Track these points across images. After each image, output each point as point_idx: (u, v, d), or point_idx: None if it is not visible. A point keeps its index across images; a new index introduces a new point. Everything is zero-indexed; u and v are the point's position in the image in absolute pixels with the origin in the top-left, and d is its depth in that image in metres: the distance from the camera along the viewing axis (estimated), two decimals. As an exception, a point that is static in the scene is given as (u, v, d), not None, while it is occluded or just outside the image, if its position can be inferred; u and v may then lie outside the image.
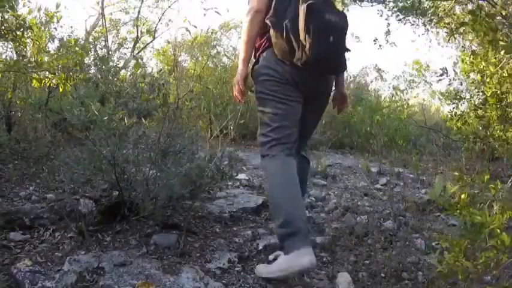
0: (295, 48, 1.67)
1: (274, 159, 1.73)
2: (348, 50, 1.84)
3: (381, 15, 5.10)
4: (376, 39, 5.23)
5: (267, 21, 1.73)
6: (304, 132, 1.95)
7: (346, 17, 1.82)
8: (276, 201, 1.71)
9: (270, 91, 1.77)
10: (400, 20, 5.00)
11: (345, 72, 2.08)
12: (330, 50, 1.72)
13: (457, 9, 4.47)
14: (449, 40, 4.95)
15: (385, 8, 4.61)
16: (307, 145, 2.13)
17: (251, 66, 1.89)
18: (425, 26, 5.15)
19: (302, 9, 1.65)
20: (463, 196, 1.39)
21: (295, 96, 1.78)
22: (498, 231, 1.22)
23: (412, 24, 5.14)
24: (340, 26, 1.77)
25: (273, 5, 1.75)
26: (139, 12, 6.05)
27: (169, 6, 5.66)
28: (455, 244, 1.29)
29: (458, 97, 4.39)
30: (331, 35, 1.70)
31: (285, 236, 1.61)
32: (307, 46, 1.64)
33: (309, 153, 2.20)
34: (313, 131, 2.14)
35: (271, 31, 1.72)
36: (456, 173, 1.56)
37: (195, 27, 2.28)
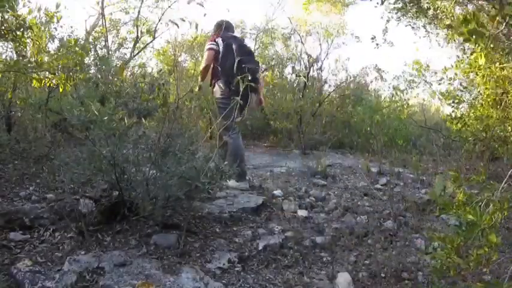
0: (231, 81, 3.03)
1: (235, 136, 3.30)
2: (258, 82, 3.41)
3: (382, 17, 5.12)
4: (374, 37, 5.22)
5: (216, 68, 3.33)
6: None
7: (258, 63, 3.62)
8: (236, 157, 3.17)
9: (223, 103, 3.20)
10: (399, 18, 5.00)
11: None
12: (249, 81, 2.98)
13: (457, 10, 4.47)
14: (449, 42, 4.95)
15: (381, 4, 4.59)
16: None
17: (211, 88, 3.40)
18: (425, 28, 5.15)
19: (236, 61, 3.20)
20: (460, 196, 1.41)
21: (230, 104, 3.01)
22: (487, 230, 1.27)
23: (413, 28, 5.14)
24: (255, 69, 3.30)
25: (220, 58, 3.26)
26: (139, 12, 6.05)
27: (169, 6, 5.64)
28: (449, 241, 1.34)
29: (457, 100, 4.39)
30: (249, 74, 2.87)
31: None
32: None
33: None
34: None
35: (220, 74, 3.29)
36: (452, 173, 1.55)
37: (184, 20, 2.33)
